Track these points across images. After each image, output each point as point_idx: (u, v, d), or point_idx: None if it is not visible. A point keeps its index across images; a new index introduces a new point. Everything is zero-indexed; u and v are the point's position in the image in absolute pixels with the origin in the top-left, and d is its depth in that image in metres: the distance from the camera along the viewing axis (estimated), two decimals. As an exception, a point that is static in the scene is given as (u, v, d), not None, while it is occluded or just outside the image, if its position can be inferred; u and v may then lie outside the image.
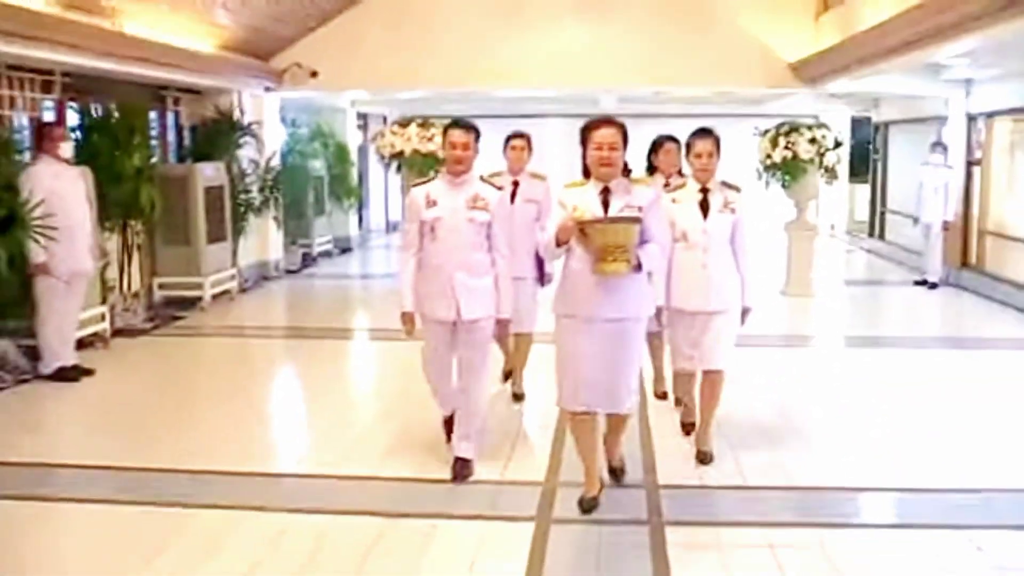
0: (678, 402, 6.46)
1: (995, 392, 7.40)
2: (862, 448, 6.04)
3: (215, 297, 10.88)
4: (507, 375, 7.11)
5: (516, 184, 6.56)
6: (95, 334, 8.46)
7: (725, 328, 5.51)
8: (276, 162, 13.10)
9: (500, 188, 5.50)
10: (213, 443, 6.11)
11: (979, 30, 7.74)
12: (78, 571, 4.40)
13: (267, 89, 13.23)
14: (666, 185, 6.06)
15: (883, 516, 5.12)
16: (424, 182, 5.38)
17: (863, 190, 18.52)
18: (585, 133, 4.68)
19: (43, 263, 7.17)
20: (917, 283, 12.55)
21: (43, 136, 7.53)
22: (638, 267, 4.56)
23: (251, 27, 11.89)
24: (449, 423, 5.60)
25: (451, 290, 5.19)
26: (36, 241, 7.03)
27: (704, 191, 5.45)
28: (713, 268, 5.41)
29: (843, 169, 17.72)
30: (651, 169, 6.58)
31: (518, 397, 6.92)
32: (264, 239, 13.15)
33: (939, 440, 6.19)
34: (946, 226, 12.28)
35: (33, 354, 7.59)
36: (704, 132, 5.49)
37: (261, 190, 12.49)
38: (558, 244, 4.62)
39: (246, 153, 12.32)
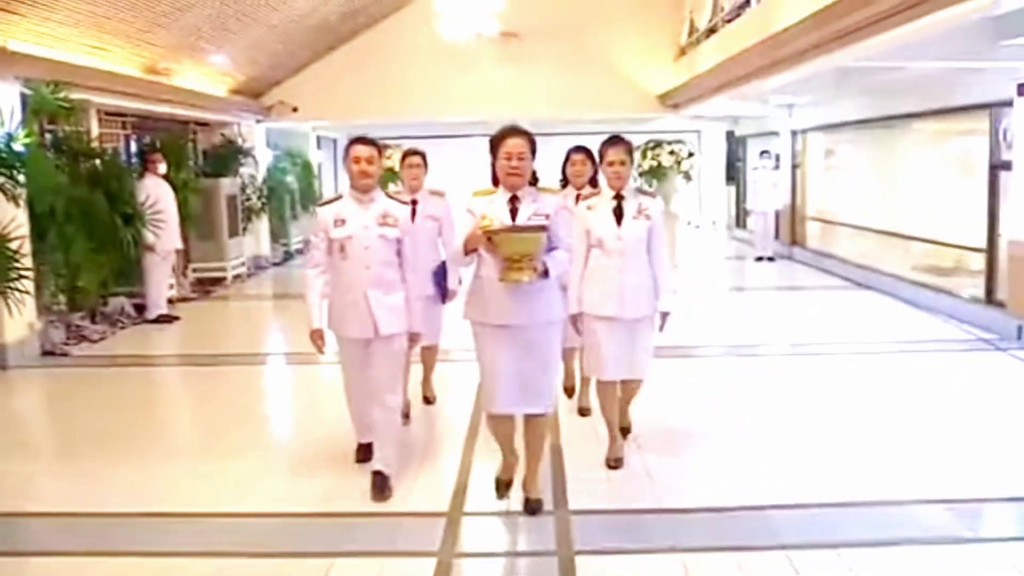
0: (584, 412, 6.71)
1: (807, 304, 11.71)
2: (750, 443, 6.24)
3: (233, 279, 14.59)
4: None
5: (415, 203, 6.33)
6: (168, 300, 12.07)
7: (643, 335, 5.48)
8: (263, 178, 16.82)
9: (407, 203, 5.53)
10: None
11: (780, 72, 10.67)
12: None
13: (258, 121, 16.98)
14: (578, 196, 5.83)
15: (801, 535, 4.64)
16: (330, 201, 5.32)
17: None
18: (495, 143, 4.65)
19: (152, 244, 10.84)
20: (758, 259, 16.54)
21: (147, 159, 11.24)
22: (545, 274, 4.54)
23: (250, 74, 15.65)
24: (362, 450, 5.59)
25: (366, 308, 5.13)
26: (148, 230, 10.70)
27: (618, 198, 5.37)
28: (628, 275, 5.34)
29: (718, 174, 22.12)
30: (564, 182, 6.40)
31: (429, 400, 7.09)
32: (258, 238, 16.82)
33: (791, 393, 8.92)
34: (777, 215, 16.48)
35: (139, 308, 11.26)
36: (616, 140, 5.40)
37: (258, 199, 16.22)
38: (466, 252, 4.60)
39: (246, 171, 15.98)
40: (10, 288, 8.36)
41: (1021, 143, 8.91)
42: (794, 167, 16.81)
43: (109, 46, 10.83)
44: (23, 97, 9.06)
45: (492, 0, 13.35)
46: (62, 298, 10.01)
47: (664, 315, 5.48)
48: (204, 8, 11.85)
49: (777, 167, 16.69)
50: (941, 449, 5.99)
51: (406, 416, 6.52)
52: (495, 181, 4.74)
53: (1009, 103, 9.07)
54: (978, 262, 10.18)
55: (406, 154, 6.62)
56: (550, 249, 4.63)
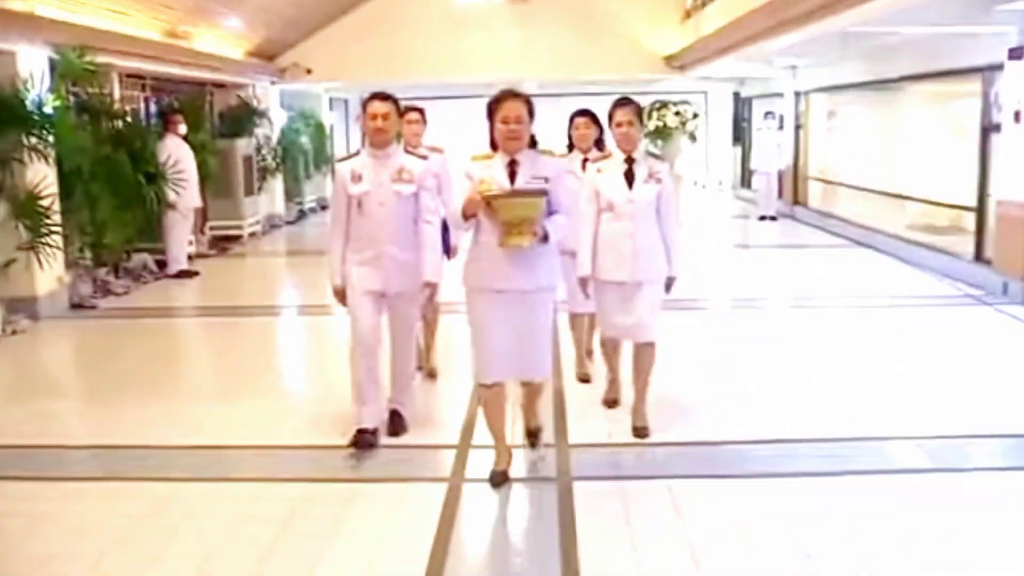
0: (589, 354, 6.76)
1: (807, 262, 12.26)
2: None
3: (249, 236, 15.02)
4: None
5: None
6: (188, 256, 12.50)
7: (652, 298, 5.41)
8: (277, 138, 17.21)
9: (425, 158, 5.47)
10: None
11: (783, 34, 11.04)
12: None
13: (272, 83, 17.33)
14: (584, 160, 5.99)
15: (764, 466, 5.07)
16: (348, 157, 5.41)
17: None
18: (492, 107, 4.61)
19: (173, 202, 11.26)
20: (761, 218, 16.93)
21: (168, 120, 11.64)
22: (544, 239, 4.52)
23: (265, 37, 15.98)
24: (359, 435, 5.34)
25: (381, 263, 5.21)
26: (170, 188, 11.12)
27: (629, 161, 5.34)
28: (640, 238, 5.32)
29: (725, 135, 22.39)
30: (571, 146, 6.39)
31: (432, 376, 6.86)
32: (272, 197, 17.22)
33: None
34: (781, 175, 16.83)
35: (160, 263, 11.71)
36: (624, 101, 5.39)
37: (273, 159, 16.61)
38: (465, 218, 4.56)
39: (261, 131, 16.35)
40: (41, 243, 8.85)
41: (1010, 107, 9.24)
42: (797, 128, 17.12)
43: (130, 10, 11.18)
44: (51, 61, 9.44)
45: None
46: (88, 254, 10.47)
47: (671, 279, 5.46)
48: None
49: (781, 128, 17.00)
50: (922, 392, 6.42)
51: (432, 375, 6.78)
52: (493, 145, 4.68)
53: (1000, 67, 9.38)
54: (969, 221, 10.54)
55: (405, 110, 6.29)
56: (550, 213, 4.60)
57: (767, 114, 16.93)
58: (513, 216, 4.43)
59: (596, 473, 5.01)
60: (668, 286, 5.49)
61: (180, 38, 12.88)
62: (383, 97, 5.21)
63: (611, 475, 5.00)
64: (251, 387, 6.95)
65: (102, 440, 5.74)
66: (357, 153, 5.41)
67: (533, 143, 4.71)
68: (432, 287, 5.41)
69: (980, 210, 10.26)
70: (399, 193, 5.21)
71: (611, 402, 5.98)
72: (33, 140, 8.81)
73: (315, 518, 4.46)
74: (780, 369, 7.14)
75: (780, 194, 17.13)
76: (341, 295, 5.38)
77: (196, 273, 11.75)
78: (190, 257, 12.24)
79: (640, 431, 5.49)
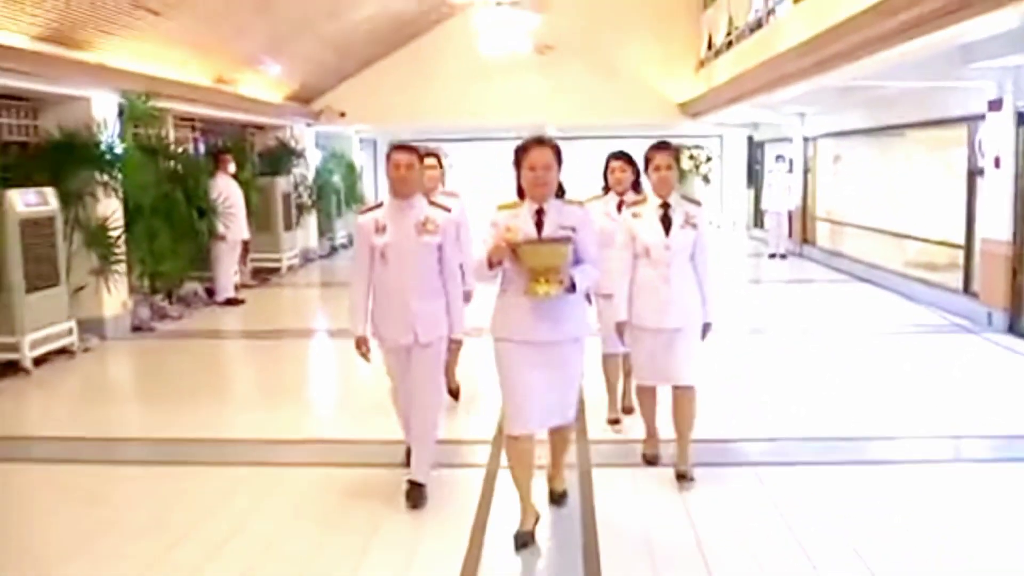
0: (628, 411, 6.69)
1: (813, 295, 13.16)
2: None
3: (287, 269, 15.99)
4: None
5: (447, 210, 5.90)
6: (234, 285, 13.43)
7: (689, 344, 5.39)
8: (312, 177, 18.23)
9: (449, 210, 5.41)
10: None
11: (781, 88, 12.26)
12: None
13: (308, 125, 18.40)
14: (620, 203, 6.01)
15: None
16: (371, 208, 5.38)
17: (756, 193, 23.79)
18: (519, 154, 4.55)
19: (223, 235, 12.23)
20: (771, 256, 17.73)
21: (219, 159, 12.66)
22: (572, 288, 4.44)
23: (302, 82, 17.06)
24: (411, 452, 5.47)
25: (407, 315, 5.15)
26: (220, 222, 12.09)
27: (665, 206, 5.30)
28: (676, 284, 5.29)
29: (740, 177, 23.26)
30: (606, 188, 6.38)
31: (454, 394, 7.06)
32: (307, 232, 18.21)
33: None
34: (790, 215, 17.69)
35: (210, 291, 12.66)
36: (663, 145, 5.36)
37: (308, 197, 17.63)
38: (491, 266, 4.45)
39: (297, 171, 17.37)
40: (109, 271, 9.81)
41: (991, 153, 10.10)
42: (805, 171, 17.98)
43: (187, 59, 12.23)
44: (119, 106, 10.45)
45: (528, 20, 14.63)
46: (146, 282, 11.42)
47: (707, 325, 5.45)
48: (268, 25, 13.24)
49: (791, 171, 17.89)
50: (915, 401, 7.40)
51: (455, 394, 7.08)
52: (520, 193, 4.61)
53: (983, 117, 10.26)
54: (959, 258, 11.37)
55: (422, 156, 6.17)
56: (577, 262, 4.54)
57: (778, 157, 17.82)
58: (539, 264, 4.37)
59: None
60: (704, 333, 5.48)
61: (227, 83, 13.93)
62: (407, 148, 5.21)
63: (624, 463, 5.80)
64: (291, 396, 8.05)
65: (164, 435, 6.80)
66: (380, 204, 5.36)
67: (561, 192, 4.65)
68: (459, 344, 5.46)
69: (968, 247, 11.07)
70: (424, 244, 5.14)
71: (652, 458, 5.81)
72: (105, 177, 9.79)
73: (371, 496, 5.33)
74: (786, 383, 8.17)
75: (790, 233, 17.98)
76: (363, 346, 5.31)
77: (242, 301, 12.71)
78: (236, 287, 13.18)
79: (682, 475, 5.44)
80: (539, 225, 4.54)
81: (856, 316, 11.53)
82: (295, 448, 6.40)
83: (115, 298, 10.19)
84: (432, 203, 5.35)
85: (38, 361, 8.69)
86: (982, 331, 10.05)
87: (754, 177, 22.80)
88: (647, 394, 5.73)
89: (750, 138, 23.16)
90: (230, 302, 12.52)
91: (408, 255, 5.14)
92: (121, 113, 10.47)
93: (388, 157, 5.22)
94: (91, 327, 9.82)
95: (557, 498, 5.16)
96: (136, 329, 10.66)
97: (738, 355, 9.15)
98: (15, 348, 8.43)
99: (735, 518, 5.00)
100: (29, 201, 8.61)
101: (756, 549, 4.60)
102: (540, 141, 4.56)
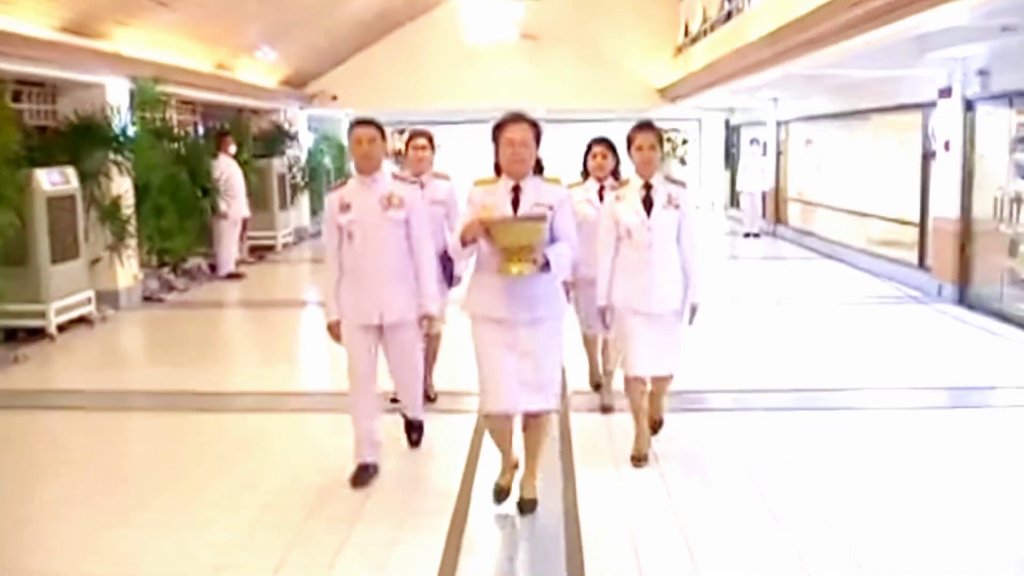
0: (597, 387, 6.70)
1: (784, 271, 14.14)
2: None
3: (283, 246, 16.72)
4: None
5: (421, 185, 5.74)
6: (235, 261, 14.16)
7: (672, 331, 5.30)
8: (305, 159, 18.93)
9: (414, 183, 5.33)
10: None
11: (750, 75, 13.17)
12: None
13: (301, 108, 19.08)
14: (600, 189, 5.96)
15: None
16: (339, 186, 5.23)
17: (733, 175, 24.59)
18: (497, 131, 4.46)
19: (224, 212, 12.96)
20: (746, 235, 18.55)
21: (220, 141, 13.36)
22: (546, 266, 4.33)
23: (296, 67, 17.75)
24: (360, 471, 5.23)
25: (375, 293, 5.04)
26: (222, 201, 12.82)
27: (647, 187, 5.15)
28: (658, 267, 5.16)
29: (718, 159, 24.06)
30: (585, 174, 6.25)
31: (430, 398, 6.60)
32: (300, 211, 18.91)
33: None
34: (764, 196, 18.51)
35: (212, 267, 13.40)
36: (645, 125, 5.22)
37: (302, 178, 18.33)
38: (464, 244, 4.38)
39: (291, 152, 18.06)
40: (122, 245, 10.53)
41: (942, 138, 10.92)
42: (778, 153, 18.79)
43: (190, 48, 12.91)
44: (130, 92, 11.14)
45: (513, 9, 15.35)
46: (154, 257, 12.14)
47: (694, 308, 5.33)
48: (265, 14, 13.93)
49: (764, 154, 18.70)
50: (871, 360, 8.31)
51: (431, 398, 6.57)
52: (498, 170, 4.54)
53: (934, 104, 11.08)
54: (914, 235, 12.21)
55: (412, 135, 6.35)
56: (553, 241, 4.45)
57: (752, 141, 18.63)
58: (512, 243, 4.27)
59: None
60: (691, 316, 5.36)
61: (226, 69, 14.62)
62: (367, 123, 5.07)
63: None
64: (285, 356, 9.14)
65: (176, 388, 7.61)
66: (345, 182, 5.24)
67: (540, 169, 4.60)
68: (430, 318, 5.31)
69: (922, 225, 11.90)
70: (389, 220, 5.03)
71: (640, 459, 5.49)
72: (118, 158, 10.49)
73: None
74: (758, 345, 9.12)
75: (764, 213, 18.80)
76: (335, 331, 5.25)
77: (243, 275, 13.43)
78: (236, 262, 13.89)
79: (636, 458, 5.44)
80: (515, 203, 4.48)
81: (822, 289, 12.41)
82: (290, 399, 7.18)
83: (127, 271, 10.91)
84: (396, 177, 5.26)
85: (61, 328, 9.40)
86: (933, 302, 10.88)
87: (731, 159, 23.60)
88: (638, 386, 5.47)
89: (727, 122, 23.96)
90: (232, 276, 13.25)
91: (374, 231, 5.04)
92: (132, 98, 11.15)
93: (349, 133, 5.12)
94: (106, 298, 10.52)
95: (525, 505, 4.82)
96: (147, 299, 11.38)
97: (717, 322, 9.85)
98: (42, 315, 9.13)
99: (699, 461, 5.62)
100: (54, 180, 9.31)
101: (717, 491, 5.19)
102: (518, 117, 4.50)
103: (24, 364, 8.36)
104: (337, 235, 5.10)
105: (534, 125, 4.48)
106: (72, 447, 6.22)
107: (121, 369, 8.65)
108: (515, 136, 4.43)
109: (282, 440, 6.17)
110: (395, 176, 5.26)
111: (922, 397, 7.16)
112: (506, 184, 4.51)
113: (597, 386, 6.74)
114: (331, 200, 5.11)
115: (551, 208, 4.46)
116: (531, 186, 4.51)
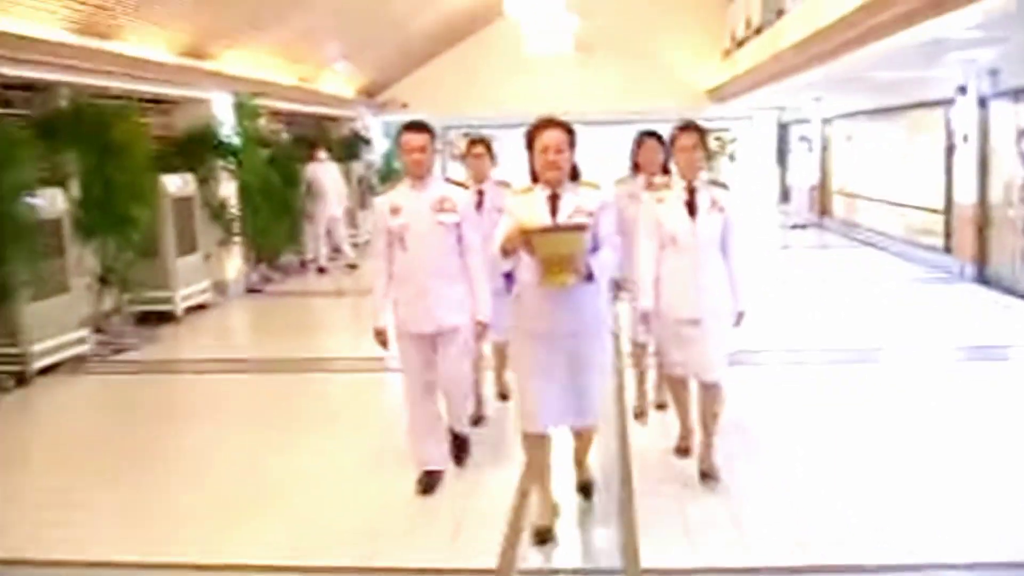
0: (661, 406, 6.37)
1: (829, 258, 15.40)
2: None
3: (364, 244, 18.15)
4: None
5: (481, 193, 5.91)
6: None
7: (718, 338, 5.04)
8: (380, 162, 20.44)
9: (467, 187, 5.25)
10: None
11: (788, 77, 14.25)
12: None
13: (374, 115, 20.61)
14: (649, 184, 5.63)
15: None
16: (387, 190, 5.11)
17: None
18: (531, 136, 4.25)
19: (311, 213, 14.47)
20: (793, 227, 19.66)
21: (311, 148, 14.89)
22: (588, 276, 4.14)
23: (371, 78, 19.29)
24: (429, 476, 5.14)
25: (426, 300, 4.90)
26: (312, 203, 14.34)
27: (690, 190, 4.94)
28: (704, 272, 4.95)
29: (770, 156, 25.08)
30: (635, 167, 6.06)
31: (504, 396, 6.65)
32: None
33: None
34: (811, 190, 19.61)
35: (302, 263, 14.92)
36: (689, 125, 5.03)
37: (377, 181, 19.81)
38: (504, 255, 4.19)
39: (367, 156, 19.57)
40: (231, 242, 12.06)
41: (961, 132, 12.04)
42: (823, 149, 19.87)
43: (279, 65, 14.45)
44: (232, 105, 12.67)
45: (568, 21, 16.64)
46: (252, 252, 13.66)
47: (740, 314, 5.13)
48: (350, 32, 15.45)
49: (811, 150, 19.79)
50: (896, 327, 9.59)
51: (478, 420, 6.24)
52: (533, 177, 4.34)
53: (953, 101, 12.20)
54: (940, 222, 13.31)
55: (471, 143, 6.22)
56: (595, 249, 4.23)
57: (801, 138, 19.73)
58: (552, 253, 4.07)
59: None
60: (738, 320, 5.16)
61: (308, 82, 16.14)
62: (418, 127, 4.93)
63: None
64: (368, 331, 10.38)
65: (279, 356, 9.25)
66: (395, 185, 5.14)
67: (575, 174, 4.36)
68: (484, 326, 5.10)
69: (948, 212, 13.00)
70: (441, 224, 4.90)
71: (683, 450, 5.54)
72: (227, 164, 12.02)
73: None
74: (803, 314, 10.52)
75: (811, 206, 19.90)
76: (383, 336, 5.13)
77: (325, 270, 14.92)
78: (327, 258, 15.38)
79: (706, 475, 5.14)
80: (554, 211, 4.27)
81: (861, 273, 13.63)
82: (375, 363, 8.05)
83: (234, 264, 12.46)
84: (448, 180, 5.21)
85: (186, 311, 10.93)
86: (955, 281, 11.99)
87: (783, 156, 24.64)
88: (678, 383, 5.39)
89: (778, 120, 24.97)
90: (320, 271, 14.74)
91: (425, 237, 4.89)
92: (234, 111, 12.67)
93: (398, 138, 5.00)
94: (217, 288, 12.06)
95: (581, 488, 4.92)
96: (250, 290, 12.91)
97: (767, 300, 10.93)
98: (170, 301, 10.66)
99: (745, 409, 6.40)
100: (177, 184, 10.85)
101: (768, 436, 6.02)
102: (552, 122, 4.27)
103: (160, 342, 9.86)
104: (387, 240, 4.98)
105: (569, 129, 4.27)
106: (218, 400, 7.73)
107: (237, 341, 10.61)
108: (550, 142, 4.22)
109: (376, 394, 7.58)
110: (447, 179, 5.26)
111: (949, 354, 8.42)
112: (543, 191, 4.31)
113: (640, 414, 6.39)
114: (381, 204, 5.01)
115: (591, 215, 4.26)
116: (569, 193, 4.30)
